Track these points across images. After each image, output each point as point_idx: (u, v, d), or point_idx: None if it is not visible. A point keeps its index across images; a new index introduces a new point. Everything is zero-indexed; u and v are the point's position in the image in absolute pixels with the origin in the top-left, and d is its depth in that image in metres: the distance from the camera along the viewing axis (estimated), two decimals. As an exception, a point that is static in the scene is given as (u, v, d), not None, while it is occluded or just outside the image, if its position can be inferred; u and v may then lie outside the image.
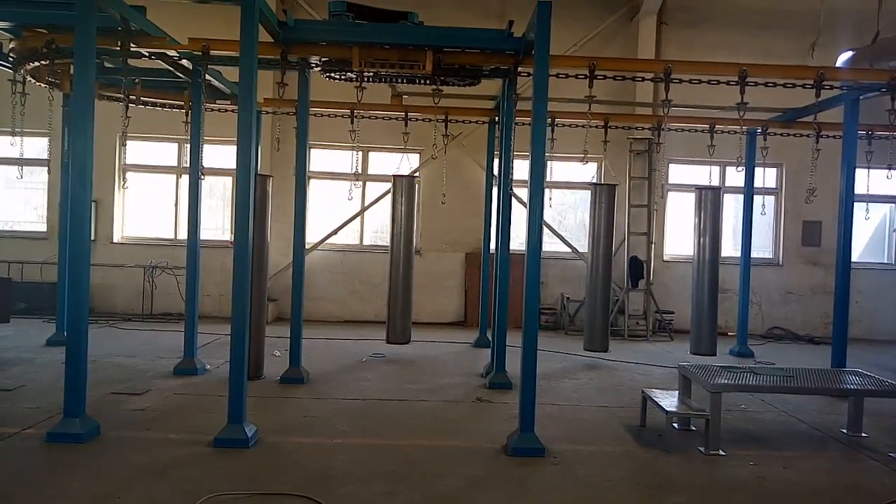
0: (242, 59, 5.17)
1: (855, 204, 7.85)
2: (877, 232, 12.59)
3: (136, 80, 7.56)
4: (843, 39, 11.35)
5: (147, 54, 6.51)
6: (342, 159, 11.82)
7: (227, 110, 8.98)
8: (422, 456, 5.03)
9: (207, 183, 11.66)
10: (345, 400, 6.52)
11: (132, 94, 7.55)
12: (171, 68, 6.94)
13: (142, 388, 6.54)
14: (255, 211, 6.96)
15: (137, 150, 11.48)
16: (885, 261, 12.40)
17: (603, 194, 8.78)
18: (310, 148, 11.59)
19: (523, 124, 6.71)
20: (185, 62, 6.75)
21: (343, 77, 6.66)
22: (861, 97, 7.55)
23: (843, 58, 11.11)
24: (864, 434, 5.85)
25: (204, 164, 7.62)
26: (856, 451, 5.52)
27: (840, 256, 7.73)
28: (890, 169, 7.74)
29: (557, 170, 11.84)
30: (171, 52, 6.45)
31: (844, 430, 5.95)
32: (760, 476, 4.89)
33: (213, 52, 6.44)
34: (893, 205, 12.34)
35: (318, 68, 6.73)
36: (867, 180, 8.66)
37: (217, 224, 12.01)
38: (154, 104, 8.51)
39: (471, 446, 5.29)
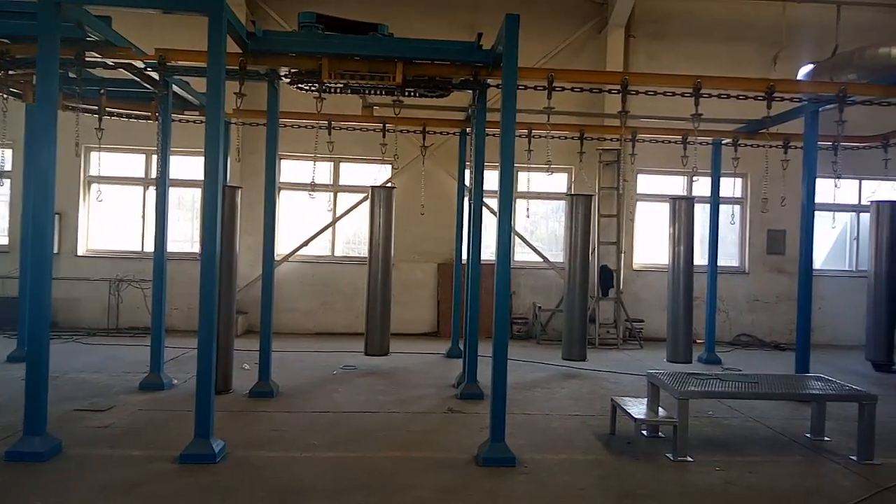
0: (210, 69, 5.14)
1: (818, 213, 8.04)
2: (839, 240, 12.93)
3: (102, 91, 7.46)
4: (805, 52, 11.71)
5: (112, 64, 6.43)
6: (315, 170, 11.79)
7: (195, 121, 8.91)
8: (392, 468, 5.00)
9: (176, 194, 11.56)
10: (315, 413, 6.46)
11: (97, 105, 7.45)
12: (137, 79, 6.86)
13: (106, 405, 6.39)
14: (224, 222, 6.91)
15: (103, 161, 11.29)
16: (847, 268, 12.72)
17: (579, 205, 8.86)
18: (280, 159, 11.61)
19: (495, 135, 6.77)
20: (152, 73, 6.68)
21: (313, 88, 6.64)
22: (820, 109, 7.76)
23: (804, 70, 11.47)
24: (826, 438, 5.98)
25: (171, 175, 7.54)
26: (818, 455, 5.64)
27: (802, 264, 7.93)
28: (839, 178, 7.94)
29: (534, 180, 11.96)
30: (138, 63, 6.38)
31: (808, 435, 6.08)
32: (727, 481, 4.96)
33: (180, 63, 6.41)
34: (855, 213, 12.67)
35: (288, 79, 6.70)
36: (834, 190, 8.93)
37: (186, 236, 11.88)
38: (120, 115, 8.40)
39: (442, 457, 5.28)
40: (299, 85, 6.64)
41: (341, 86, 6.56)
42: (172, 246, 10.85)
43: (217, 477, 4.69)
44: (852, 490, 4.84)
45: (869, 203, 9.95)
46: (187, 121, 8.98)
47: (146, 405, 6.50)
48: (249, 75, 6.41)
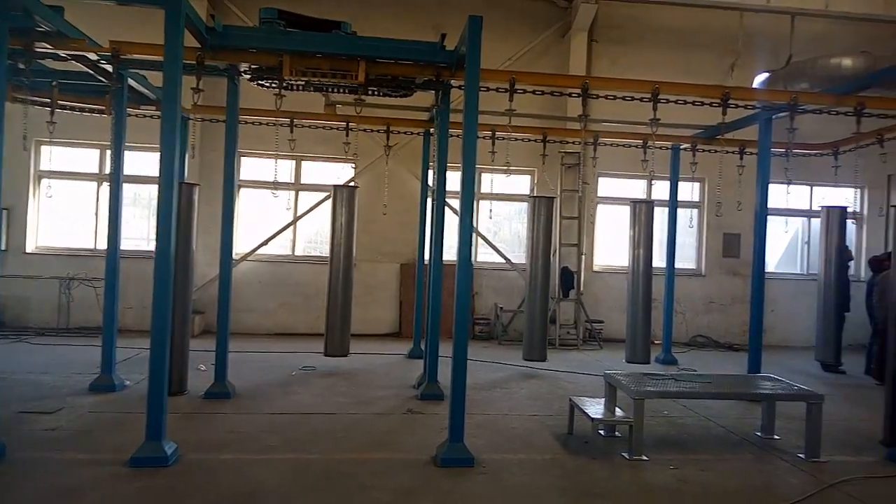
0: (166, 64, 5.03)
1: (771, 217, 8.26)
2: (792, 244, 13.32)
3: (54, 83, 7.23)
4: (761, 61, 12.03)
5: (64, 56, 6.23)
6: (279, 169, 11.64)
7: (152, 116, 8.70)
8: (350, 469, 4.96)
9: (132, 191, 11.30)
10: (273, 414, 6.37)
11: (49, 98, 7.22)
12: (91, 71, 6.67)
13: (54, 407, 6.18)
14: (180, 220, 6.78)
15: (55, 156, 10.95)
16: (799, 271, 13.11)
17: (542, 207, 8.92)
18: (240, 156, 11.42)
19: (458, 136, 6.78)
20: (106, 65, 6.49)
21: (273, 85, 6.54)
22: (773, 117, 7.98)
23: (760, 79, 11.81)
24: (776, 436, 6.15)
25: (128, 171, 7.36)
26: (767, 453, 5.79)
27: (755, 267, 8.14)
28: (789, 184, 8.19)
29: (497, 182, 12.04)
30: (91, 55, 6.20)
31: (758, 433, 6.25)
32: (680, 479, 5.06)
33: (135, 56, 6.25)
34: (806, 218, 13.06)
35: (248, 76, 6.59)
36: (787, 195, 9.21)
37: (142, 233, 11.60)
38: (73, 108, 8.15)
39: (400, 458, 5.26)
40: (259, 82, 6.54)
41: (303, 83, 6.49)
42: (128, 243, 10.55)
43: (169, 480, 4.58)
44: (800, 487, 4.98)
45: (820, 208, 10.26)
46: (144, 115, 8.76)
47: (96, 407, 6.31)
48: (208, 70, 6.29)
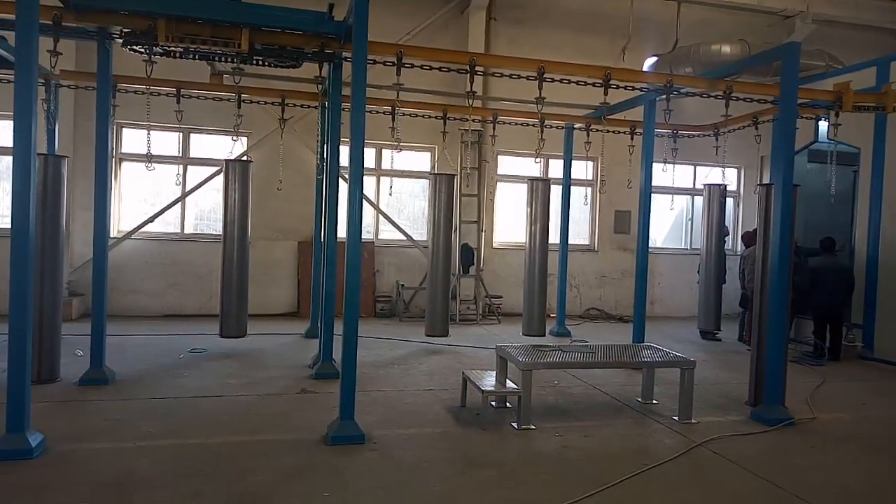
0: (18, 23, 4.61)
1: (657, 195, 8.67)
2: (677, 221, 14.09)
3: None
4: (651, 45, 12.52)
5: None
6: (165, 141, 11.01)
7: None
8: (236, 453, 4.82)
9: (1, 164, 10.37)
10: (155, 399, 6.08)
11: None
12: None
13: None
14: (47, 196, 6.29)
15: None
16: (683, 246, 13.91)
17: (443, 184, 8.95)
18: (121, 127, 10.73)
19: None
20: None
21: (148, 51, 6.11)
22: (657, 98, 8.34)
23: (649, 62, 12.31)
24: (654, 401, 6.53)
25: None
26: (646, 417, 6.14)
27: (640, 242, 8.54)
28: (666, 162, 8.62)
29: (399, 158, 11.92)
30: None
31: (639, 399, 6.61)
32: (564, 445, 5.27)
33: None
34: (690, 196, 13.84)
35: (120, 40, 6.13)
36: (672, 174, 9.67)
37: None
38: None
39: (290, 439, 5.17)
40: (133, 47, 6.09)
41: (181, 50, 6.10)
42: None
43: (33, 474, 4.28)
44: (672, 447, 5.32)
45: (702, 187, 10.88)
46: (8, 81, 7.99)
47: (-48, 399, 5.78)
48: (70, 33, 5.79)
